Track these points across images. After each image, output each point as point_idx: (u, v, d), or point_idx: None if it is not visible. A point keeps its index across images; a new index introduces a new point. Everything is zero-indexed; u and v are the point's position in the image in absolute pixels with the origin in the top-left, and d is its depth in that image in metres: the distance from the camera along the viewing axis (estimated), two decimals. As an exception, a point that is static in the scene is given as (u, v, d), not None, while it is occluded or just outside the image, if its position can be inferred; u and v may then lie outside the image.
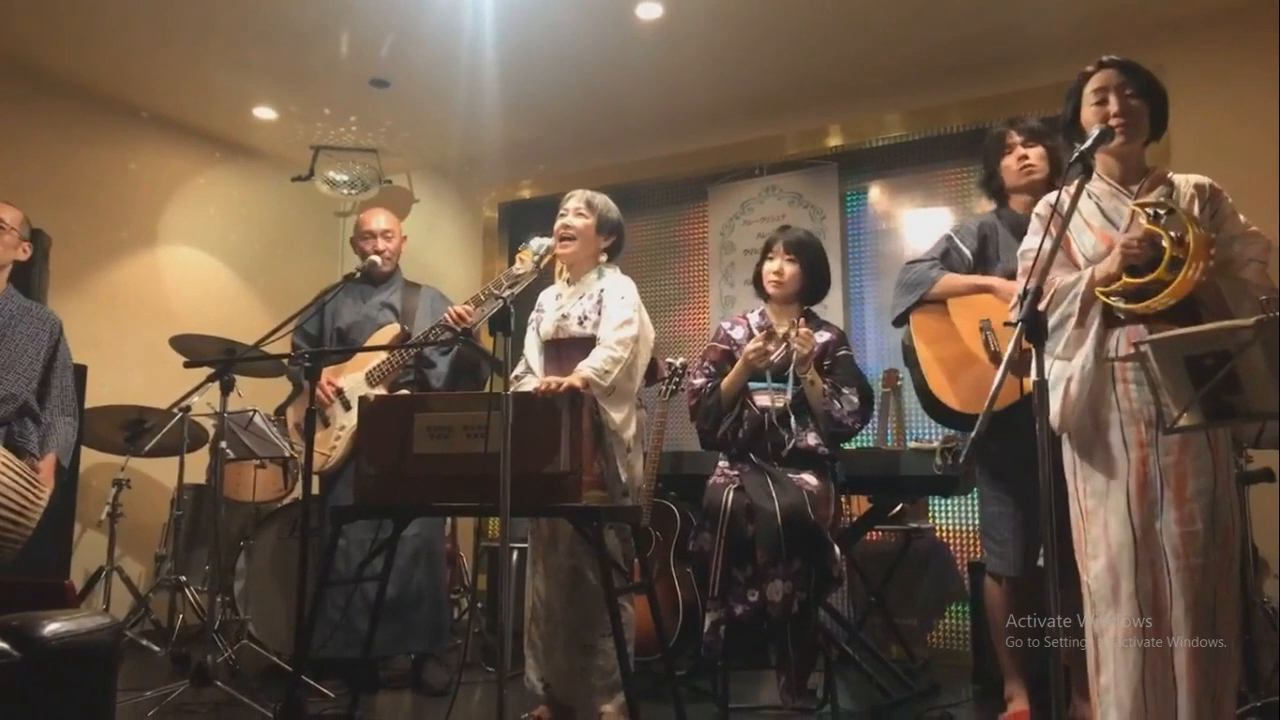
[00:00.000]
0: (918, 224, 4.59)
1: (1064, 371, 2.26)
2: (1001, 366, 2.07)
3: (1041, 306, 2.09)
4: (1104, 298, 2.22)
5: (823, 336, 3.14)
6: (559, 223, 3.03)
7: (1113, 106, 2.28)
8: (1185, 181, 2.31)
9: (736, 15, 3.96)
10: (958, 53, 4.25)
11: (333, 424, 3.57)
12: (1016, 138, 2.98)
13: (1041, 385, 2.04)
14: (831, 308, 4.60)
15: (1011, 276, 2.90)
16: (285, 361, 3.72)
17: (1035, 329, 2.04)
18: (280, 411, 3.89)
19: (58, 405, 3.02)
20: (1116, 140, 2.27)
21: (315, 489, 3.57)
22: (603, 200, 3.09)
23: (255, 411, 3.79)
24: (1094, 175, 2.33)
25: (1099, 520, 2.19)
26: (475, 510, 3.42)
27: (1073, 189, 2.22)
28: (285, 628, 3.61)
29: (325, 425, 3.56)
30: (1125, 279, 2.19)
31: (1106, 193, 2.34)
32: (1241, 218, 2.29)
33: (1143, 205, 2.21)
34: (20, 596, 3.37)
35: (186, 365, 3.20)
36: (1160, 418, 2.08)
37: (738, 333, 3.23)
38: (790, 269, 3.15)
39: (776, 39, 4.14)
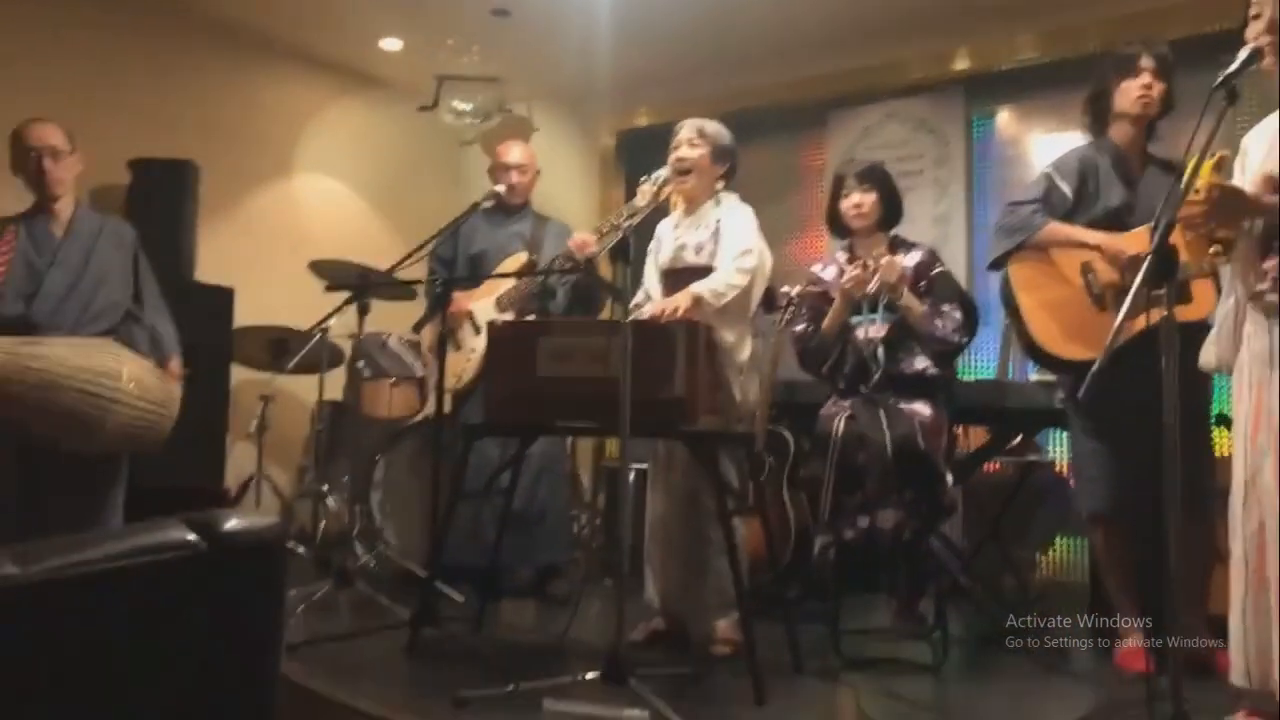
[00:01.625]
0: (1048, 151, 4.39)
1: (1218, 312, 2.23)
2: (1123, 308, 2.04)
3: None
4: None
5: (913, 258, 3.11)
6: (673, 156, 3.06)
7: (1263, 23, 2.14)
8: None
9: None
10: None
11: (464, 346, 3.74)
12: (1148, 63, 2.82)
13: (1170, 321, 2.01)
14: (955, 237, 4.52)
15: (1111, 215, 2.81)
16: (423, 284, 3.90)
17: (1165, 266, 2.00)
18: (417, 328, 4.06)
19: (154, 309, 3.15)
20: (1269, 59, 2.15)
21: (447, 407, 3.77)
22: (714, 128, 3.10)
23: (390, 334, 3.99)
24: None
25: (1234, 458, 2.19)
26: (596, 431, 3.57)
27: (1214, 118, 2.14)
28: (419, 536, 3.85)
29: (457, 348, 3.73)
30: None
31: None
32: None
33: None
34: (185, 499, 3.70)
35: (327, 289, 3.40)
36: (1277, 358, 2.04)
37: (828, 273, 3.23)
38: (868, 199, 3.12)
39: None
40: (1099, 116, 2.93)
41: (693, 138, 3.06)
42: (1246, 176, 2.23)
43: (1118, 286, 2.67)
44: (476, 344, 3.67)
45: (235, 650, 1.29)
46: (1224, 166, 2.16)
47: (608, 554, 4.22)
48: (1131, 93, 2.82)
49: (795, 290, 3.62)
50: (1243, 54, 2.13)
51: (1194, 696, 2.24)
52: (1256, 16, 2.15)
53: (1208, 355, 2.26)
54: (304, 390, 4.79)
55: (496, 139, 5.32)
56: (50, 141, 2.93)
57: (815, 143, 5.06)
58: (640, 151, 5.40)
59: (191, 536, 1.26)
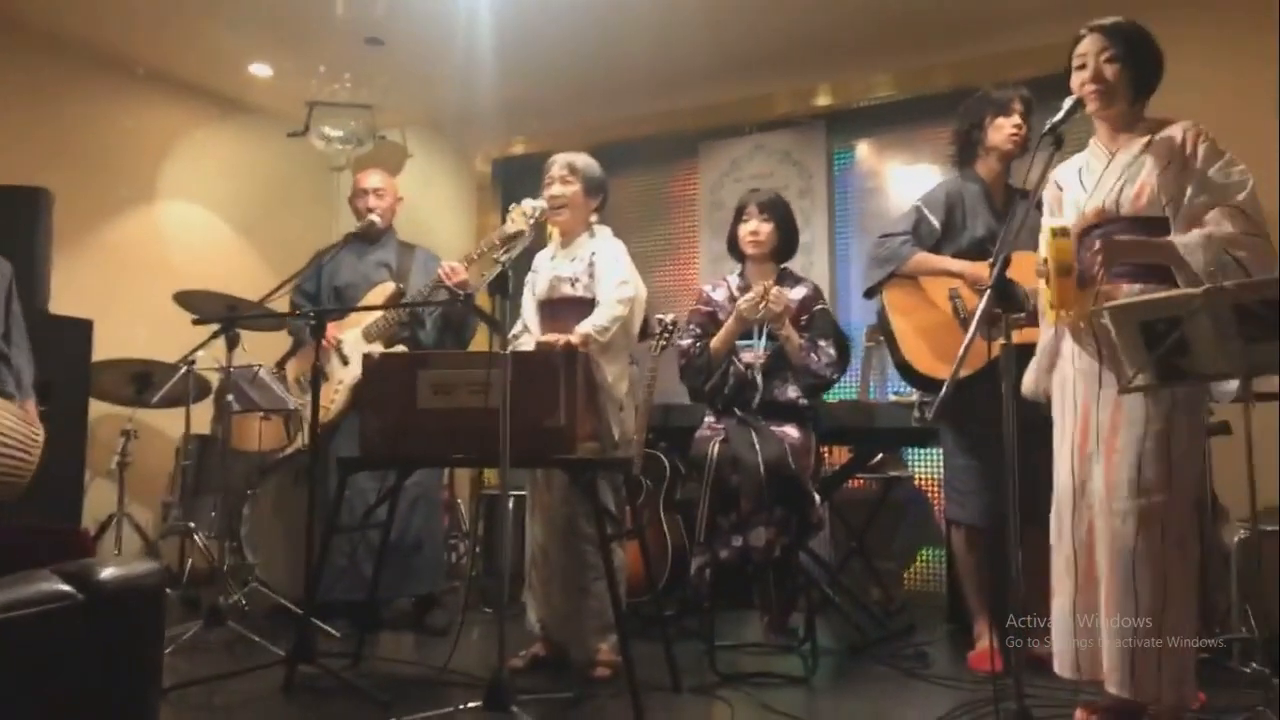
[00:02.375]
0: (904, 182, 4.70)
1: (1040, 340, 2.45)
2: (971, 329, 2.23)
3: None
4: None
5: (799, 293, 3.28)
6: (546, 193, 3.13)
7: (1087, 74, 2.35)
8: (1166, 133, 2.33)
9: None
10: (945, 13, 4.31)
11: (331, 377, 3.70)
12: (1019, 106, 3.08)
13: (1009, 348, 2.20)
14: (818, 264, 4.73)
15: (977, 245, 3.05)
16: (291, 319, 3.84)
17: (1004, 295, 2.19)
18: (281, 365, 4.00)
19: (20, 347, 3.02)
20: (1091, 107, 2.38)
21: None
22: (584, 161, 3.19)
23: (260, 366, 3.91)
24: (1093, 138, 2.44)
25: (1056, 468, 2.39)
26: (478, 462, 3.58)
27: (1044, 159, 2.36)
28: (290, 571, 3.77)
29: (325, 379, 3.68)
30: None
31: (1094, 154, 2.44)
32: (1226, 156, 2.27)
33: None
34: (39, 542, 3.52)
35: (195, 323, 3.32)
36: (1104, 376, 2.26)
37: (719, 294, 3.37)
38: (766, 228, 3.28)
39: (766, -1, 4.21)
40: (968, 150, 3.17)
41: (564, 174, 3.15)
42: (1063, 209, 2.46)
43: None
44: (344, 375, 3.64)
45: (113, 698, 1.28)
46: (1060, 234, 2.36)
47: (487, 582, 4.23)
48: (1004, 130, 3.09)
49: (670, 317, 3.74)
50: (1067, 104, 2.36)
51: (1037, 693, 2.45)
52: (1081, 67, 2.37)
53: (1027, 383, 2.48)
54: (167, 425, 4.63)
55: (368, 165, 5.30)
56: None
57: (688, 172, 5.21)
58: (516, 179, 5.45)
59: (66, 588, 1.25)
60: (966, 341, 2.23)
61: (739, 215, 3.34)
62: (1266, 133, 3.54)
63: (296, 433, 4.45)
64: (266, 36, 4.62)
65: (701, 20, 4.38)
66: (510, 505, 3.80)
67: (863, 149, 4.85)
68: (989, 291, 2.20)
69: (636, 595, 3.36)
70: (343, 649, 3.23)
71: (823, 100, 4.80)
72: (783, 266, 3.36)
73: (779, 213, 3.31)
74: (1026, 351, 2.47)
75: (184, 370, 4.03)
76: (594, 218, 3.21)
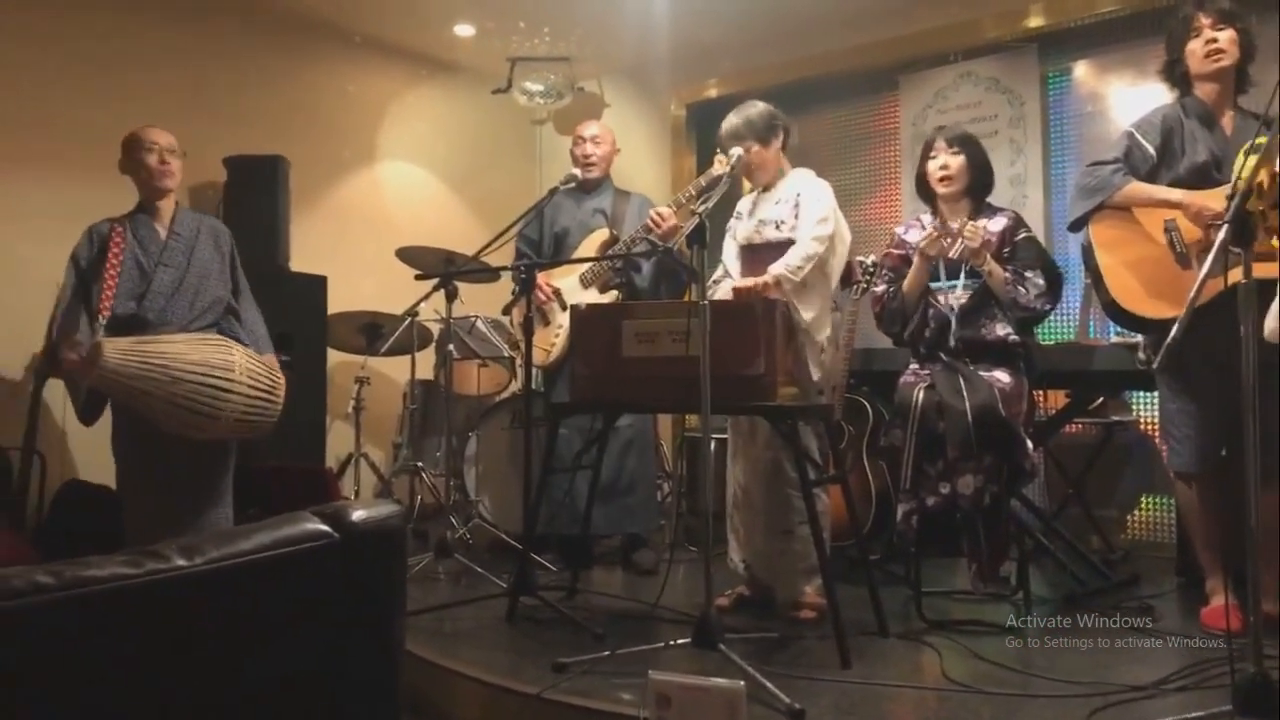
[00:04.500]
0: (1129, 104, 4.32)
1: None
2: (1204, 268, 2.06)
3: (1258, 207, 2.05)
4: None
5: (998, 224, 3.12)
6: (731, 158, 3.08)
7: None
8: None
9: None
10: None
11: (552, 322, 3.87)
12: (1205, 20, 2.79)
13: (1248, 284, 2.02)
14: (1031, 198, 4.47)
15: (1198, 171, 2.78)
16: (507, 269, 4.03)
17: (1243, 230, 2.01)
18: (506, 311, 4.20)
19: (249, 302, 3.29)
20: None
21: (539, 384, 3.91)
22: (742, 118, 3.13)
23: (477, 317, 4.14)
24: None
25: None
26: (679, 408, 3.67)
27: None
28: (511, 507, 4.02)
29: (545, 324, 3.86)
30: None
31: None
32: None
33: None
34: (291, 479, 3.91)
35: (417, 278, 3.56)
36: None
37: (913, 235, 3.25)
38: (955, 162, 3.12)
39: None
40: (1179, 81, 2.92)
41: (730, 145, 3.10)
42: None
43: (1203, 244, 2.65)
44: (564, 320, 3.80)
45: (364, 626, 1.43)
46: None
47: (692, 521, 4.35)
48: (1198, 52, 2.82)
49: (870, 259, 3.66)
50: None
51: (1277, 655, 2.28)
52: None
53: (1271, 326, 2.25)
54: (396, 371, 4.99)
55: (569, 118, 5.44)
56: (166, 142, 3.11)
57: (888, 105, 5.02)
58: (711, 122, 5.37)
59: (324, 527, 1.40)
60: (1199, 280, 2.07)
61: (926, 152, 3.21)
62: None
63: (517, 377, 4.70)
64: (468, -3, 4.80)
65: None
66: (712, 449, 3.89)
67: (1080, 70, 4.51)
68: (1225, 226, 2.02)
69: (841, 540, 3.37)
70: (559, 582, 3.43)
71: (1034, 21, 4.48)
72: (978, 202, 3.20)
73: (970, 147, 3.15)
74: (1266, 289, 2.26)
75: (408, 322, 4.33)
76: (783, 161, 3.18)
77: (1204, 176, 2.77)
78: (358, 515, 1.43)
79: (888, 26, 4.79)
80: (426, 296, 3.72)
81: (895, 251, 3.29)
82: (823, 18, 4.88)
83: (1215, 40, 2.78)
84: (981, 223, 3.05)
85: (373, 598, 1.44)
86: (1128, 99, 4.34)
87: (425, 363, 4.83)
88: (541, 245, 4.03)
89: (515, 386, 4.65)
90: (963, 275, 3.09)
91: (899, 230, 3.35)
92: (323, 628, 1.37)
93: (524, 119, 5.95)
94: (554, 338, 3.84)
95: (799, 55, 5.09)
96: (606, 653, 2.52)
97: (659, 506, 4.23)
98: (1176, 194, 2.77)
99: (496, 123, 5.81)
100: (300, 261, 4.58)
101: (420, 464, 4.61)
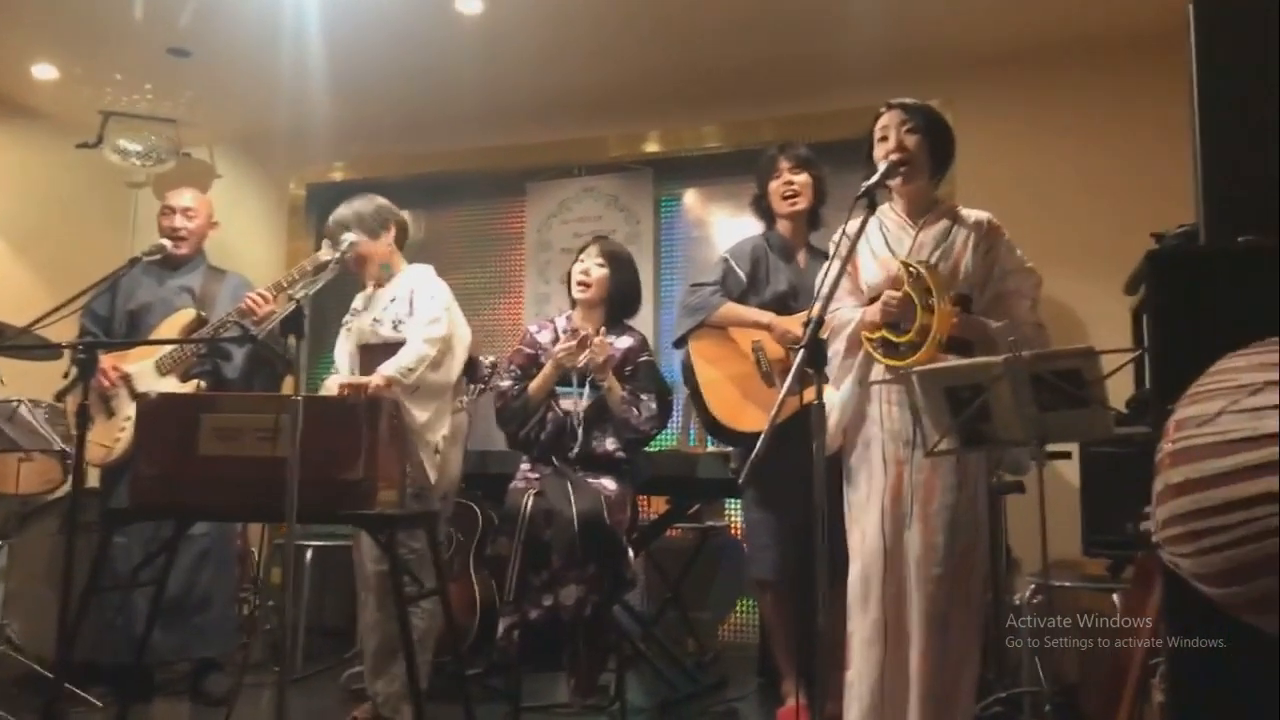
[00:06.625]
0: (729, 232, 4.72)
1: (834, 398, 2.42)
2: (784, 388, 2.20)
3: (823, 335, 2.24)
4: (868, 344, 2.40)
5: (624, 342, 3.22)
6: (343, 244, 2.97)
7: (890, 144, 2.45)
8: (967, 217, 2.48)
9: (555, 16, 3.97)
10: (772, 72, 4.40)
11: (118, 413, 3.36)
12: (784, 163, 3.14)
13: (819, 406, 2.18)
14: (643, 312, 4.66)
15: (779, 299, 3.07)
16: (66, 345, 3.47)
17: (815, 355, 2.18)
18: (60, 396, 3.61)
19: None
20: (896, 179, 2.45)
21: (97, 483, 3.36)
22: (340, 216, 3.08)
23: (20, 401, 3.50)
24: (887, 207, 2.51)
25: (858, 529, 2.39)
26: (261, 516, 3.30)
27: (857, 222, 2.38)
28: (50, 631, 3.37)
29: (110, 415, 3.35)
30: (885, 332, 2.37)
31: (894, 224, 2.51)
32: (1018, 252, 2.50)
33: (905, 263, 2.38)
34: None
35: (-56, 350, 2.94)
36: (917, 438, 2.27)
37: (544, 336, 3.26)
38: (599, 272, 3.20)
39: (594, 42, 4.18)
40: (764, 215, 3.22)
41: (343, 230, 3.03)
42: (859, 260, 2.50)
43: (785, 364, 2.89)
44: (131, 412, 3.31)
45: None
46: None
47: (279, 637, 3.92)
48: (778, 192, 3.13)
49: (490, 359, 3.60)
50: (882, 167, 2.41)
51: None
52: (883, 139, 2.46)
53: (834, 441, 2.46)
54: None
55: (173, 184, 4.91)
56: None
57: (515, 210, 5.10)
58: (332, 206, 5.12)
59: None
60: (780, 398, 2.20)
61: (579, 253, 3.27)
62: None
63: (70, 474, 4.02)
64: (50, 36, 4.21)
65: (529, 58, 4.32)
66: (308, 556, 3.57)
67: (689, 197, 4.88)
68: (801, 351, 2.18)
69: (441, 655, 3.18)
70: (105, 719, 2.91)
71: (651, 146, 4.80)
72: (616, 315, 3.28)
73: (618, 264, 3.24)
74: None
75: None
76: (396, 258, 3.09)
77: (783, 304, 3.05)
78: None
79: (519, 133, 4.89)
80: (-44, 373, 3.08)
81: (525, 349, 3.27)
82: (456, 116, 4.87)
83: (792, 183, 3.10)
84: (610, 338, 3.11)
85: None
86: (729, 227, 4.75)
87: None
88: (112, 323, 3.53)
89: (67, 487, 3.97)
90: (587, 385, 3.11)
91: (531, 328, 3.34)
92: None
93: (118, 180, 5.30)
94: (119, 431, 3.34)
95: (430, 149, 5.04)
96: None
97: (238, 624, 3.77)
98: (766, 316, 3.03)
99: (80, 180, 5.10)
100: None
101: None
